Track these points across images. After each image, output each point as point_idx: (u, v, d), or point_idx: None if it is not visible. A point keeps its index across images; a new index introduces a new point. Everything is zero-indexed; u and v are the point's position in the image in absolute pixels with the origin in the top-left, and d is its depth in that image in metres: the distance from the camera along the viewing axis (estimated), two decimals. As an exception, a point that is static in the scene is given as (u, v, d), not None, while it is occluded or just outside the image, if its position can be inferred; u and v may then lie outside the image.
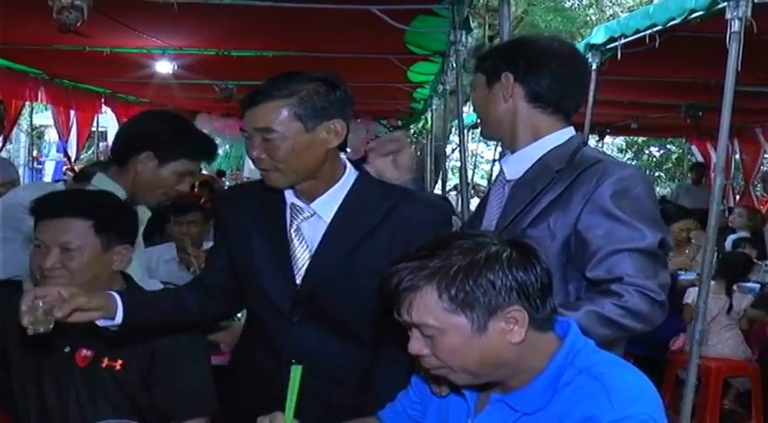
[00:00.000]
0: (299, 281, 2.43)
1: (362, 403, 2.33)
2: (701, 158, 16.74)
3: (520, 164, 2.45)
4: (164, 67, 9.98)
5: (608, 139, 22.74)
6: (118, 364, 2.51)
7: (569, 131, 2.45)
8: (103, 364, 2.51)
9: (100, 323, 2.27)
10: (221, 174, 17.79)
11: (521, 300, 1.74)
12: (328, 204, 2.43)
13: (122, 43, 8.82)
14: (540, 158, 2.40)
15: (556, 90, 2.41)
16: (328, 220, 2.43)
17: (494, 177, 2.79)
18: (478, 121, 2.69)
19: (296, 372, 2.00)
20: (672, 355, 6.13)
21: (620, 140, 28.22)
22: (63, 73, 11.51)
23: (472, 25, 7.04)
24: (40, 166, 17.27)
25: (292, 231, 2.45)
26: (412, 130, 16.48)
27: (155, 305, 2.48)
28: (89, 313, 2.21)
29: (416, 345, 1.81)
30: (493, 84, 2.46)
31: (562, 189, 2.29)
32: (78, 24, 6.14)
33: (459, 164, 12.55)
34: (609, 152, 28.85)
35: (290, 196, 2.46)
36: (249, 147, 2.35)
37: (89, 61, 9.57)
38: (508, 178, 2.48)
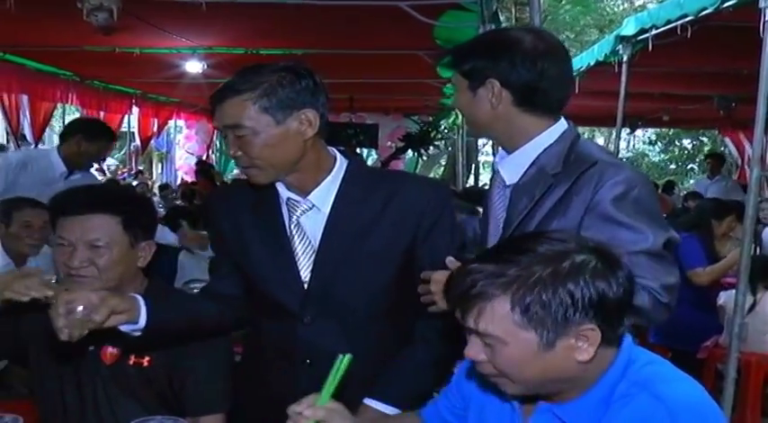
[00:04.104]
0: (306, 278, 2.37)
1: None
2: (734, 150, 16.57)
3: (516, 167, 2.39)
4: (193, 66, 10.05)
5: (638, 131, 22.65)
6: (145, 361, 2.48)
7: (560, 126, 2.37)
8: (131, 362, 2.48)
9: (123, 328, 2.21)
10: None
11: (597, 317, 1.63)
12: (324, 195, 2.37)
13: (152, 44, 8.87)
14: (534, 161, 2.34)
15: (548, 90, 2.32)
16: (327, 212, 2.37)
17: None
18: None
19: (342, 361, 1.96)
20: (707, 350, 6.06)
21: (650, 132, 28.04)
22: (94, 74, 11.61)
23: (501, 19, 6.98)
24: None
25: (293, 227, 2.39)
26: (443, 126, 16.43)
27: (176, 310, 2.43)
28: (119, 316, 2.16)
29: (473, 349, 1.71)
30: (476, 88, 2.36)
31: (561, 194, 2.25)
32: (109, 25, 6.19)
33: (490, 158, 12.51)
34: (640, 145, 28.83)
35: (284, 191, 2.40)
36: (227, 144, 2.32)
37: (119, 62, 9.65)
38: (507, 183, 2.42)
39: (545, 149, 2.33)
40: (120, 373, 2.49)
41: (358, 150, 14.84)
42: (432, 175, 19.41)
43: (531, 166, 2.34)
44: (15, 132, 11.13)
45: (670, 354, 5.88)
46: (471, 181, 14.24)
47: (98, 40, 7.67)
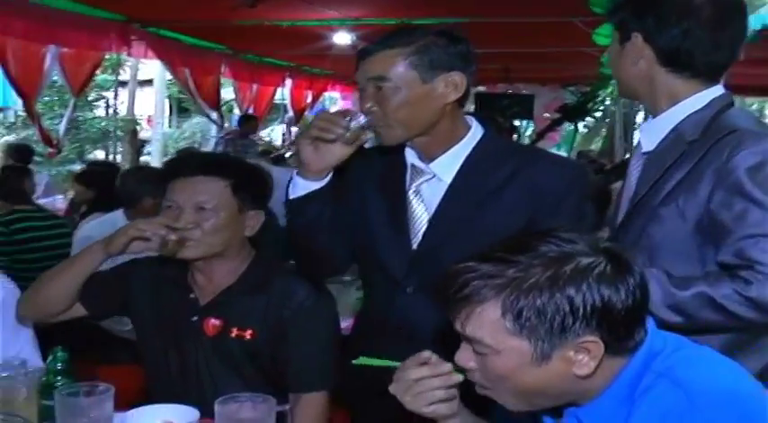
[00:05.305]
0: (415, 246, 2.31)
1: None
2: None
3: (655, 133, 2.22)
4: (342, 38, 10.00)
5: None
6: (247, 334, 2.45)
7: (712, 92, 2.17)
8: (233, 334, 2.46)
9: (299, 179, 2.29)
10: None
11: (600, 327, 1.48)
12: (449, 165, 2.30)
13: (300, 16, 8.87)
14: (674, 127, 2.16)
15: (692, 51, 2.13)
16: (449, 182, 2.30)
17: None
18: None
19: None
20: None
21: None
22: (246, 48, 11.80)
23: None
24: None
25: (411, 193, 2.34)
26: (600, 97, 15.94)
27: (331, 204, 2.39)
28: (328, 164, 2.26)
29: (464, 356, 1.60)
30: (624, 42, 2.23)
31: (692, 164, 2.07)
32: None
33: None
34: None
35: (411, 157, 2.35)
36: (361, 100, 2.26)
37: (269, 35, 9.74)
38: (643, 150, 2.26)
39: (689, 115, 2.15)
40: (222, 346, 2.47)
41: (517, 123, 14.59)
42: (592, 147, 18.90)
43: (670, 132, 2.17)
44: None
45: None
46: (628, 155, 13.79)
47: (247, 13, 7.69)
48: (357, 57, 2.27)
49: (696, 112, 2.15)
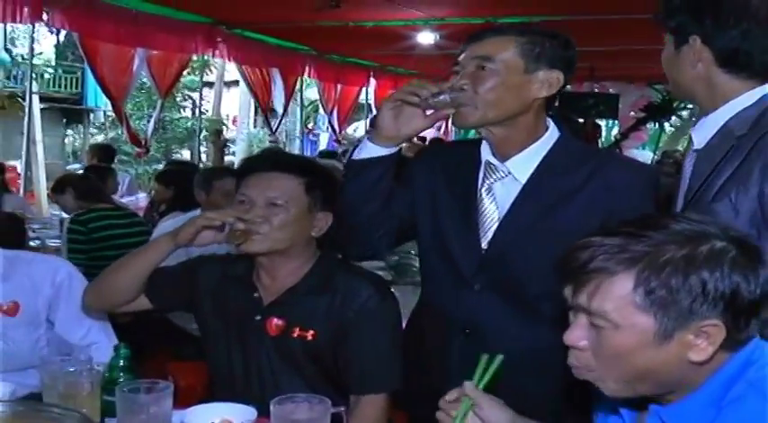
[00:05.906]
0: (485, 245, 2.30)
1: (538, 389, 2.19)
2: None
3: (706, 131, 2.18)
4: (425, 37, 9.99)
5: None
6: (309, 335, 2.44)
7: (762, 90, 2.14)
8: (295, 334, 2.44)
9: (369, 142, 2.33)
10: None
11: (726, 313, 1.43)
12: (524, 164, 2.29)
13: (384, 16, 8.92)
14: (724, 124, 2.14)
15: (751, 52, 2.10)
16: (523, 181, 2.29)
17: None
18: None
19: (493, 361, 1.87)
20: None
21: None
22: (330, 48, 11.88)
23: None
24: (315, 138, 17.97)
25: (483, 191, 2.33)
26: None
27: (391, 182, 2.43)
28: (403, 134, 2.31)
29: (577, 334, 1.55)
30: (680, 46, 2.18)
31: (741, 158, 2.05)
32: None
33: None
34: None
35: (486, 153, 2.34)
36: (456, 79, 2.25)
37: (353, 36, 9.78)
38: (695, 147, 2.22)
39: (737, 112, 2.13)
40: (284, 346, 2.46)
41: (602, 122, 14.33)
42: (679, 147, 18.56)
43: (720, 129, 2.16)
44: (264, 107, 11.91)
45: None
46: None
47: (330, 14, 7.74)
48: (467, 39, 2.29)
49: (745, 109, 2.13)
